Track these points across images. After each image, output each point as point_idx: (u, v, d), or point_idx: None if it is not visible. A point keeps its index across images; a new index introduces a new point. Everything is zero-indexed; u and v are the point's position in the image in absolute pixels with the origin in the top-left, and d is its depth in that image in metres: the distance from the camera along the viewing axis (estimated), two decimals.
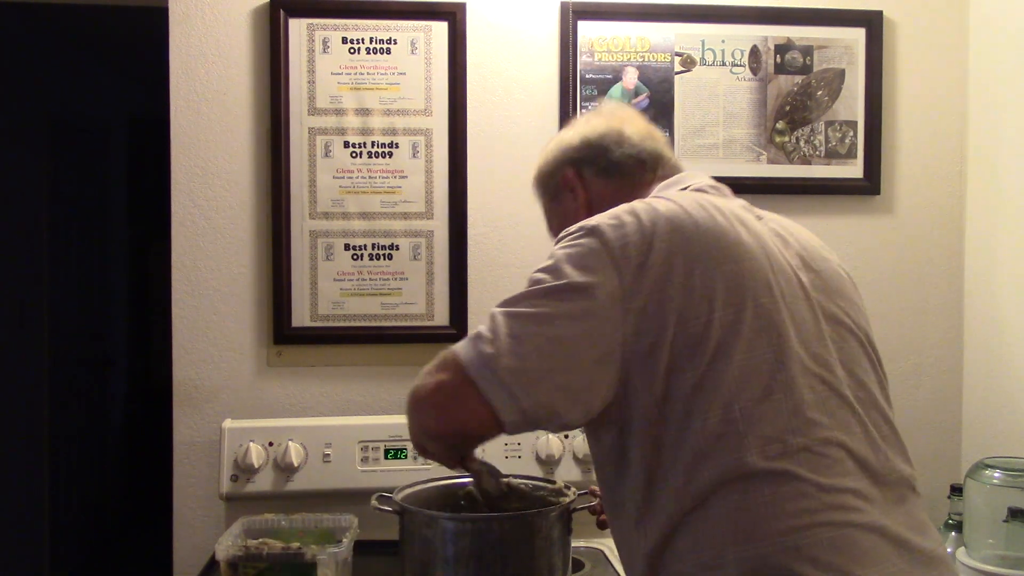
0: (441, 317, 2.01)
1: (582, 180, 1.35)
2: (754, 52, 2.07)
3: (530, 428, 1.09)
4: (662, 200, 1.14)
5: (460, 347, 1.09)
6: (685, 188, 1.23)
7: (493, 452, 1.90)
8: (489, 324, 1.08)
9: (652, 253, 1.07)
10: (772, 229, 1.19)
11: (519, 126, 2.03)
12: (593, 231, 1.10)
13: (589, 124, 1.38)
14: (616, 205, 1.20)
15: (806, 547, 1.00)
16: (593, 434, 1.16)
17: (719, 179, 2.14)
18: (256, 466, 1.85)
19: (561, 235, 1.15)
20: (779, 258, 1.13)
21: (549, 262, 1.11)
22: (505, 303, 1.10)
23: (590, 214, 1.20)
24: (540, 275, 1.10)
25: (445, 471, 1.87)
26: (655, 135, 1.37)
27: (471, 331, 1.11)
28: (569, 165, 1.35)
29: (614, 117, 1.38)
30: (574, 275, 1.07)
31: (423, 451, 1.23)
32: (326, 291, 1.99)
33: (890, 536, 1.04)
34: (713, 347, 1.04)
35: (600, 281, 1.06)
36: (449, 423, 1.12)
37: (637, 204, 1.14)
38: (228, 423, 1.90)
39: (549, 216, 1.43)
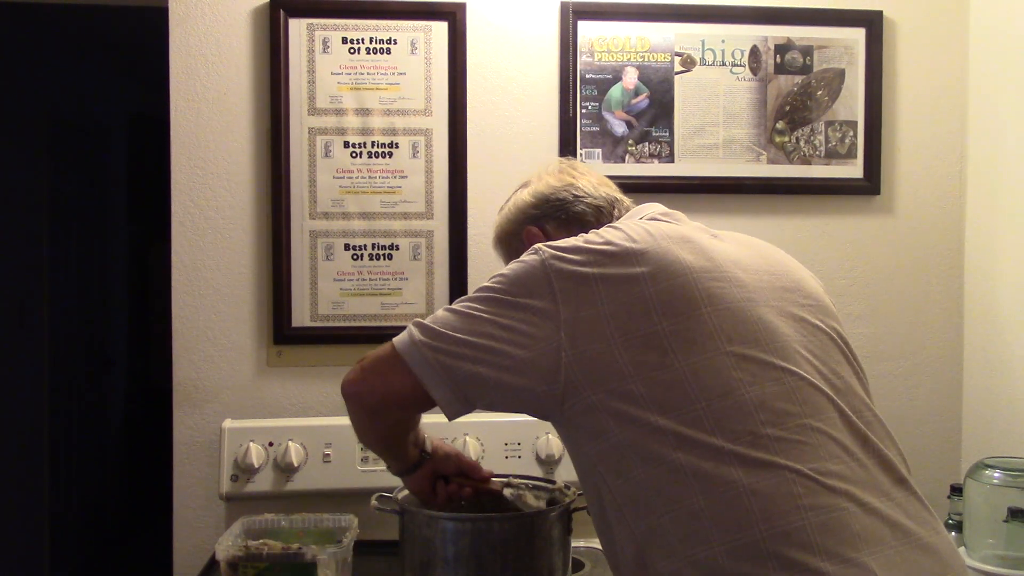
0: None
1: (546, 234, 1.40)
2: (754, 52, 2.07)
3: (466, 407, 1.18)
4: (611, 228, 1.22)
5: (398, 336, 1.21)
6: (641, 218, 1.29)
7: (493, 452, 1.90)
8: (429, 316, 1.20)
9: (588, 274, 1.14)
10: (728, 245, 1.24)
11: (519, 126, 2.03)
12: (538, 251, 1.18)
13: (542, 182, 1.45)
14: None
15: (796, 532, 1.01)
16: (568, 440, 1.21)
17: (719, 179, 2.14)
18: (256, 466, 1.85)
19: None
20: (729, 269, 1.17)
21: (498, 274, 1.20)
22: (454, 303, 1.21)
23: None
24: (486, 283, 1.20)
25: None
26: (606, 181, 1.45)
27: None
28: (531, 222, 1.42)
29: (564, 173, 1.45)
30: (512, 289, 1.17)
31: (368, 437, 1.35)
32: (326, 291, 1.99)
33: (884, 518, 1.06)
34: (659, 355, 1.09)
35: (534, 298, 1.15)
36: (379, 389, 1.22)
37: (591, 232, 1.22)
38: (228, 423, 1.90)
39: None
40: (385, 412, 1.26)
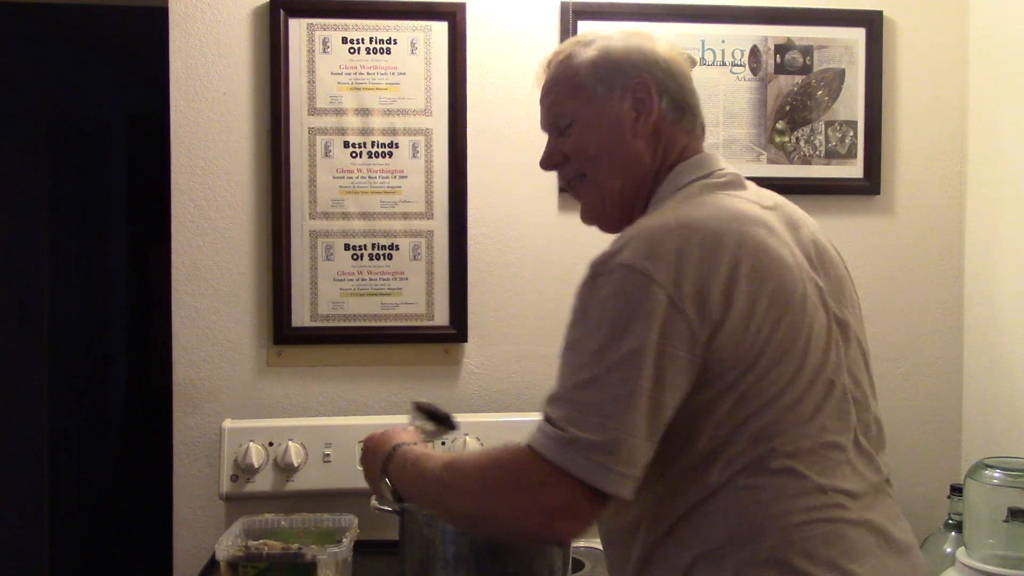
0: (441, 317, 2.01)
1: (659, 103, 1.18)
2: (754, 52, 2.07)
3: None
4: (697, 214, 1.08)
5: (532, 440, 1.01)
6: (708, 175, 1.17)
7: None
8: (558, 410, 1.00)
9: (703, 282, 1.01)
10: (786, 222, 1.15)
11: (519, 126, 2.03)
12: (640, 271, 1.00)
13: (659, 46, 1.21)
14: (672, 146, 1.18)
15: (801, 541, 1.03)
16: None
17: None
18: (256, 466, 1.85)
19: (596, 271, 1.05)
20: (803, 264, 1.10)
21: (600, 314, 1.01)
22: (567, 379, 1.01)
23: (648, 145, 1.17)
24: (597, 337, 1.00)
25: None
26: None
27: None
28: (652, 78, 1.18)
29: (678, 54, 1.23)
30: (638, 331, 0.99)
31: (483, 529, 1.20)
32: (326, 291, 1.99)
33: (874, 529, 1.08)
34: (752, 362, 1.03)
35: (664, 330, 0.99)
36: (575, 529, 1.02)
37: (671, 224, 1.05)
38: (228, 423, 1.90)
39: (584, 111, 1.21)
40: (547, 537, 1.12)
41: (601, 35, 1.22)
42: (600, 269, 1.04)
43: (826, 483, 1.05)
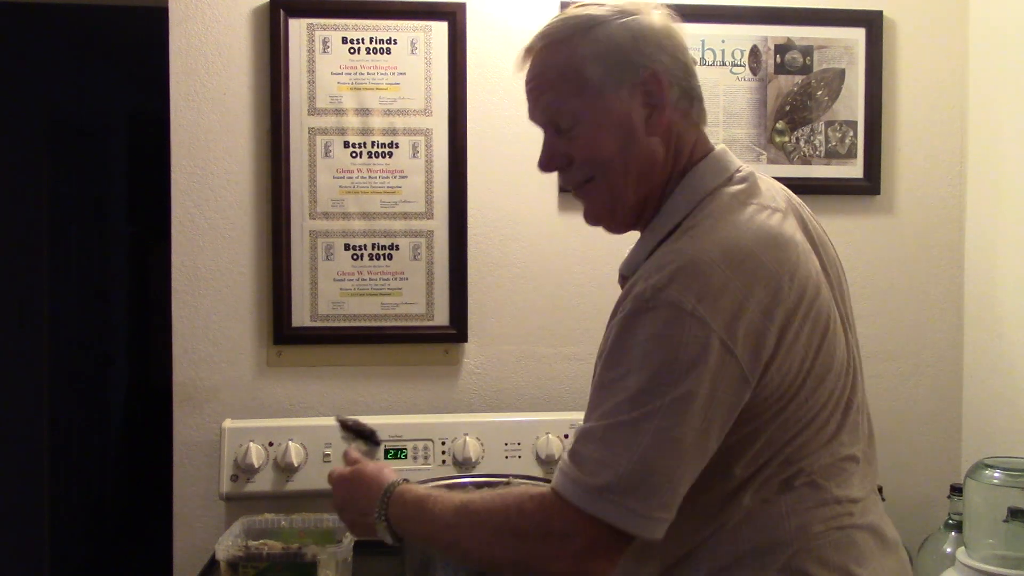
0: (441, 317, 2.01)
1: (666, 98, 1.07)
2: (754, 52, 2.07)
3: None
4: (740, 241, 1.00)
5: (559, 487, 0.97)
6: (729, 179, 1.09)
7: (493, 452, 1.90)
8: (591, 450, 0.96)
9: (760, 325, 0.96)
10: (799, 223, 1.11)
11: (519, 126, 2.03)
12: (690, 313, 0.94)
13: (656, 20, 1.10)
14: (684, 141, 1.09)
15: (817, 549, 1.04)
16: None
17: None
18: (256, 466, 1.85)
19: (640, 307, 0.97)
20: (825, 281, 1.08)
21: (644, 353, 0.96)
22: (604, 417, 0.97)
23: (661, 142, 1.07)
24: (640, 378, 0.95)
25: (446, 472, 1.88)
26: None
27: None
28: (661, 69, 1.07)
29: (671, 20, 1.13)
30: (690, 377, 0.94)
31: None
32: (326, 291, 1.99)
33: (875, 531, 1.10)
34: (795, 393, 1.02)
35: (715, 375, 0.95)
36: (610, 569, 0.99)
37: (717, 256, 0.97)
38: (228, 423, 1.90)
39: (590, 110, 1.09)
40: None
41: (594, 15, 1.10)
42: (644, 305, 0.97)
43: (841, 493, 1.06)
